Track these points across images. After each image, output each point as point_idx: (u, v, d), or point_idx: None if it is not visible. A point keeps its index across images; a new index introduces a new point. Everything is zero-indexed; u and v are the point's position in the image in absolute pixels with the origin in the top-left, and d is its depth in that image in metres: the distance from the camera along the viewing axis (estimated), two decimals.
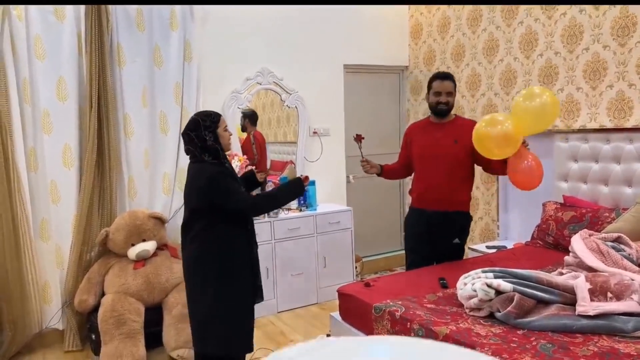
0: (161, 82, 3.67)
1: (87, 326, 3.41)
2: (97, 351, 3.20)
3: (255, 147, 4.45)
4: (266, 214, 3.97)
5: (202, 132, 2.32)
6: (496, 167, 2.97)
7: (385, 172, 3.28)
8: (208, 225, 2.34)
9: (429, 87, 3.10)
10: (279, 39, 4.34)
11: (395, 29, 5.04)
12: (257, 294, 2.52)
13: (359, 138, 3.19)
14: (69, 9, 3.35)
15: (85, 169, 3.39)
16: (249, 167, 2.73)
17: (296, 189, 2.50)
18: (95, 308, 3.27)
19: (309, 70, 4.52)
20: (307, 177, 2.53)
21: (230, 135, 2.46)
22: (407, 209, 3.53)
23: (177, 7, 3.67)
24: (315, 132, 4.59)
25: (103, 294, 3.30)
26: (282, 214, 4.08)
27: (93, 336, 3.28)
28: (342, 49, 4.70)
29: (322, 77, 4.62)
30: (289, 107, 4.42)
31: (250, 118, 4.33)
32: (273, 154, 4.70)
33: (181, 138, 3.68)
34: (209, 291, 2.36)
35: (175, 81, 3.70)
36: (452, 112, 3.14)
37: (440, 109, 3.05)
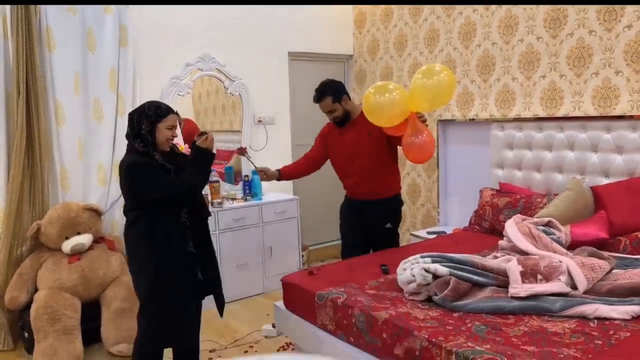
0: (95, 67, 3.50)
1: (19, 324, 3.26)
2: (30, 350, 3.06)
3: (182, 135, 4.33)
4: (210, 205, 3.90)
5: (142, 119, 2.27)
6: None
7: (283, 175, 3.29)
8: (140, 216, 2.28)
9: None
10: (221, 23, 4.24)
11: (340, 17, 5.04)
12: (201, 290, 2.46)
13: (242, 151, 3.22)
14: None
15: (14, 159, 3.20)
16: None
17: (202, 154, 2.36)
18: (28, 305, 3.12)
19: (252, 57, 4.45)
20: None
21: (174, 136, 2.36)
22: None
23: None
24: (260, 121, 4.54)
25: (36, 290, 3.16)
26: (227, 204, 4.02)
27: (26, 334, 3.14)
28: (286, 36, 4.65)
29: (267, 64, 4.56)
30: (232, 95, 4.34)
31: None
32: (219, 143, 4.58)
33: (117, 126, 3.58)
34: (143, 283, 2.30)
35: (110, 66, 3.54)
36: (358, 104, 3.19)
37: (337, 123, 3.13)
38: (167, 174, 2.29)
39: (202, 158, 2.36)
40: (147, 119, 2.27)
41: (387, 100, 2.70)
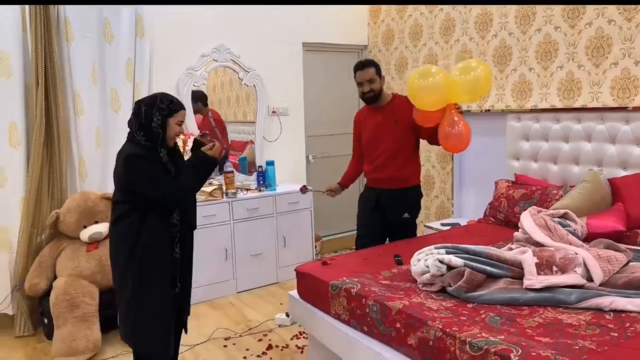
0: (112, 58, 3.54)
1: (39, 310, 3.33)
2: (50, 335, 3.13)
3: (217, 127, 4.39)
4: (225, 195, 3.93)
5: (153, 111, 2.15)
6: (435, 137, 2.94)
7: (344, 184, 3.42)
8: (130, 211, 2.16)
9: (354, 78, 3.12)
10: (235, 14, 4.25)
11: (355, 7, 5.01)
12: (176, 305, 2.33)
13: (303, 190, 3.51)
14: None
15: (33, 149, 3.26)
16: (190, 138, 2.42)
17: (207, 163, 2.29)
18: (47, 292, 3.19)
19: (267, 47, 4.45)
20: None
21: (180, 132, 2.27)
22: None
23: None
24: (274, 112, 4.55)
25: (55, 278, 3.22)
26: (241, 194, 4.04)
27: (45, 320, 3.21)
28: (300, 26, 4.64)
29: (281, 55, 4.56)
30: (247, 86, 4.35)
31: (201, 99, 4.23)
32: (233, 133, 4.64)
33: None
34: (129, 284, 2.19)
35: (126, 57, 3.58)
36: (390, 92, 3.22)
37: (367, 98, 3.10)
38: (167, 174, 2.19)
39: (205, 165, 2.29)
40: (159, 112, 2.15)
41: (431, 83, 2.73)
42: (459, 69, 2.75)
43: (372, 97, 3.08)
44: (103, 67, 3.53)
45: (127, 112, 3.59)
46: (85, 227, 3.28)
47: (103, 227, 3.30)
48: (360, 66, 3.08)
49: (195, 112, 4.16)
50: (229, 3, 4.17)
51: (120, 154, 2.18)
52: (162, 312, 2.23)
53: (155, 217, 2.18)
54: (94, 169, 3.54)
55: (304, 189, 3.53)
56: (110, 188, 3.54)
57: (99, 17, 3.48)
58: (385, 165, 3.10)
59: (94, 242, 3.28)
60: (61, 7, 3.30)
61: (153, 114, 2.15)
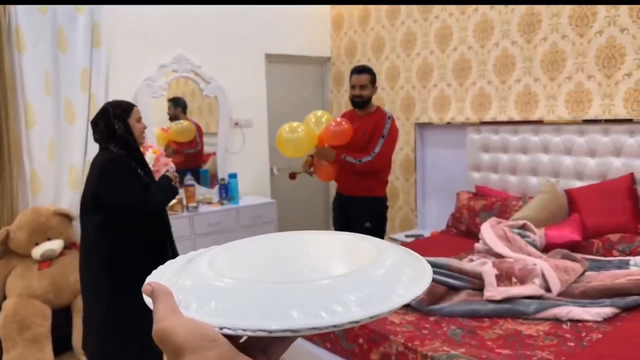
0: (66, 68, 3.42)
1: None
2: None
3: (198, 136, 4.34)
4: (185, 209, 3.85)
5: (112, 121, 2.19)
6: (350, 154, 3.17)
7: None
8: (101, 225, 2.15)
9: (349, 80, 3.27)
10: (196, 24, 4.18)
11: (318, 19, 5.03)
12: None
13: (293, 176, 3.48)
14: None
15: None
16: (170, 171, 2.52)
17: (168, 187, 2.45)
18: None
19: (228, 58, 4.40)
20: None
21: (144, 127, 2.33)
22: (331, 201, 3.64)
23: None
24: (236, 123, 4.49)
25: (5, 298, 3.07)
26: (202, 208, 3.96)
27: None
28: (263, 37, 4.61)
29: (243, 66, 4.52)
30: (208, 97, 4.28)
31: (181, 106, 4.22)
32: None
33: (90, 128, 3.50)
34: (102, 300, 2.16)
35: (82, 67, 3.46)
36: (376, 104, 3.33)
37: (356, 102, 3.24)
38: (140, 185, 2.22)
39: (169, 187, 2.42)
40: (117, 118, 2.20)
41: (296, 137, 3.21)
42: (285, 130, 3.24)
43: (359, 102, 3.22)
44: (57, 77, 3.41)
45: (82, 124, 3.47)
46: (37, 244, 3.14)
47: (56, 244, 3.16)
48: (358, 70, 3.24)
49: (173, 117, 4.18)
50: (195, 3, 4.11)
51: (95, 161, 2.22)
52: (139, 330, 2.16)
53: (132, 233, 2.19)
54: (47, 183, 3.39)
55: (293, 175, 3.45)
56: (64, 203, 3.42)
57: (52, 25, 3.36)
58: (349, 172, 3.19)
59: (46, 260, 3.13)
60: (12, 14, 3.18)
61: (113, 123, 2.20)
